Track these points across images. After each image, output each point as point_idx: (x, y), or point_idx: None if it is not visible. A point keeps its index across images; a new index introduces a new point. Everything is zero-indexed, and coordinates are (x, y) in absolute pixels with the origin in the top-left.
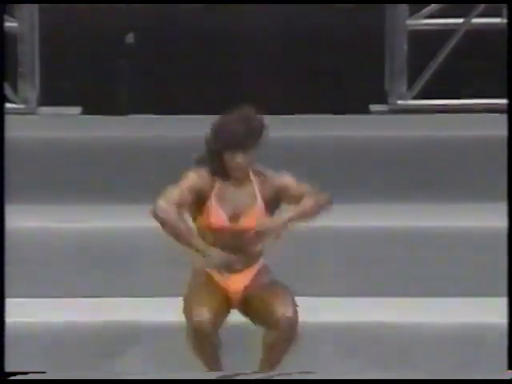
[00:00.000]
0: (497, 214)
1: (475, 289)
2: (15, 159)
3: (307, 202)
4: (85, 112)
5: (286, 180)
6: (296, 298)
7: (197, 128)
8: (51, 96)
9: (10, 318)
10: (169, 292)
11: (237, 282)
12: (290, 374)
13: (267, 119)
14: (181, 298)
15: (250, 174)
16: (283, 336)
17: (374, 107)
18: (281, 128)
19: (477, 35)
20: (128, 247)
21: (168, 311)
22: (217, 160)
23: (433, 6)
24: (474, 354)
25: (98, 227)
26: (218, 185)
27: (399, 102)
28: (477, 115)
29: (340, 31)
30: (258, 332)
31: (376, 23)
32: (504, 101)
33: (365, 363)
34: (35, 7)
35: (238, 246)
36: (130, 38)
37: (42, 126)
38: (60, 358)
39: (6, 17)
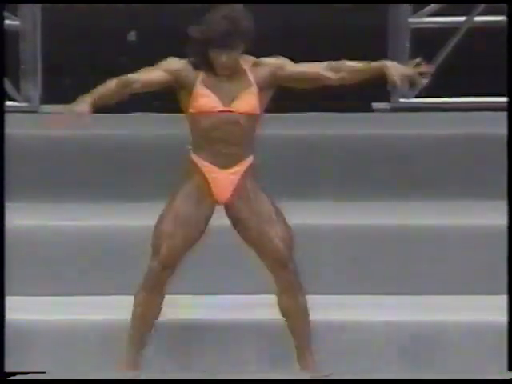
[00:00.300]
0: (498, 213)
1: (476, 287)
2: (17, 157)
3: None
4: None
5: (281, 59)
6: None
7: None
8: (53, 94)
9: (9, 316)
10: (169, 290)
11: (226, 179)
12: None
13: (269, 118)
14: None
15: (241, 63)
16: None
17: (376, 105)
18: (282, 126)
19: (479, 33)
20: (129, 245)
21: (168, 309)
22: (201, 55)
23: (435, 4)
24: (475, 352)
25: (100, 225)
26: (203, 75)
27: (402, 100)
28: (479, 113)
29: (342, 29)
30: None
31: (378, 21)
32: (506, 99)
33: (365, 361)
34: (37, 5)
35: (231, 136)
36: (132, 35)
37: (44, 124)
38: (60, 356)
39: (8, 15)
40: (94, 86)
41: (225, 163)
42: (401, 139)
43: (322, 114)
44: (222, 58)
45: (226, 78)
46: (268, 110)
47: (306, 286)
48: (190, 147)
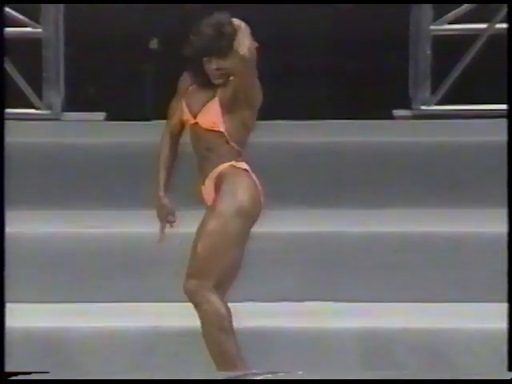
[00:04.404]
0: None
1: (492, 294)
2: (40, 165)
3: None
4: (109, 117)
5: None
6: (313, 303)
7: None
8: (76, 101)
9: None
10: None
11: (209, 190)
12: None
13: (291, 125)
14: None
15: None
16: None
17: (397, 112)
18: (304, 133)
19: (500, 40)
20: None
21: (178, 316)
22: (199, 69)
23: (456, 11)
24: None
25: (122, 232)
26: (191, 88)
27: (423, 107)
28: (501, 120)
29: (364, 36)
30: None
31: (400, 28)
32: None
33: (373, 367)
34: (60, 12)
35: (202, 146)
36: (154, 43)
37: (67, 131)
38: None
39: (30, 22)
40: (118, 93)
41: (207, 170)
42: (422, 147)
43: (344, 121)
44: (212, 66)
45: (204, 89)
46: (291, 117)
47: (324, 292)
48: None
